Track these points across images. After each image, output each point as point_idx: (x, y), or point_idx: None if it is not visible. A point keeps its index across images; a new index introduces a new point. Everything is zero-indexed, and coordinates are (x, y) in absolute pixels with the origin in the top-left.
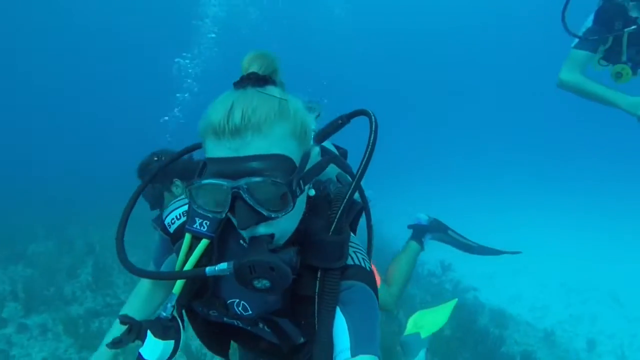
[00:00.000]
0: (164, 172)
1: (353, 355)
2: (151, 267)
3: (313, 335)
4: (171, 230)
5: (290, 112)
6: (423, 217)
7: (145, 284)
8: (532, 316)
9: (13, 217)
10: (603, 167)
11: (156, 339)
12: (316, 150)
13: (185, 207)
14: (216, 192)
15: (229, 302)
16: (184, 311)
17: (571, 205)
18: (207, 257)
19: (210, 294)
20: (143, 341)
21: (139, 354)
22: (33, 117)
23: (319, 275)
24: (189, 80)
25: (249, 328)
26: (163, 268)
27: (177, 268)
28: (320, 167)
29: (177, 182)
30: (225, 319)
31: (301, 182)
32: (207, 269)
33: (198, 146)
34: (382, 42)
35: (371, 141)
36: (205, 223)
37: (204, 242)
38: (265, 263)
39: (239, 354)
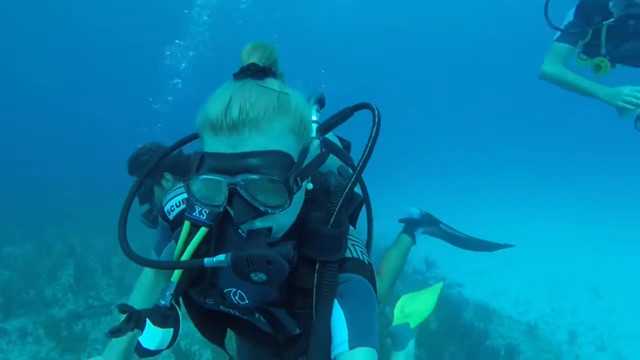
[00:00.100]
0: (155, 166)
1: (351, 347)
2: (152, 255)
3: (309, 326)
4: (170, 217)
5: (290, 106)
6: (415, 211)
7: (148, 273)
8: (515, 311)
9: None
10: (586, 161)
11: (155, 328)
12: (315, 143)
13: (185, 195)
14: (214, 187)
15: (225, 291)
16: (180, 299)
17: (551, 199)
18: (206, 245)
19: (208, 283)
20: (142, 330)
21: (138, 342)
22: (14, 113)
23: (317, 267)
24: (182, 65)
25: (245, 317)
26: (163, 256)
27: (175, 255)
28: (319, 161)
29: (168, 176)
30: (221, 307)
31: (298, 178)
32: (206, 260)
33: (190, 139)
34: (379, 33)
35: (373, 134)
36: (205, 211)
37: (202, 230)
38: (262, 257)
39: (237, 344)
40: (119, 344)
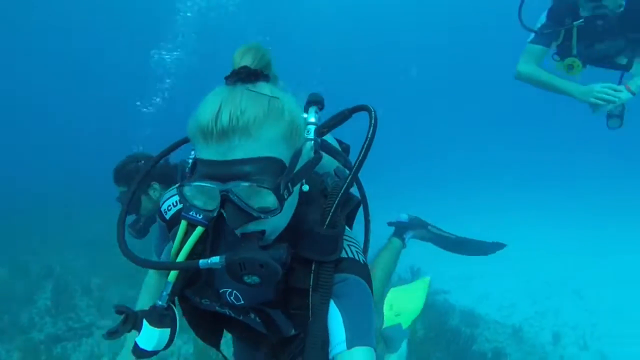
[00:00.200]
0: (135, 179)
1: (349, 347)
2: (153, 257)
3: (305, 327)
4: (167, 216)
5: (281, 110)
6: (403, 216)
7: (152, 275)
8: (500, 314)
9: None
10: (567, 163)
11: (152, 328)
12: (308, 145)
13: None
14: (206, 193)
15: (221, 291)
16: (176, 299)
17: (533, 202)
18: (202, 245)
19: (203, 282)
20: (139, 331)
21: (135, 343)
22: None
23: (313, 268)
24: (169, 68)
25: (240, 318)
26: (163, 256)
27: (172, 254)
28: (311, 164)
29: (155, 185)
30: (217, 308)
31: (289, 184)
32: (201, 261)
33: (180, 144)
34: (372, 34)
35: (369, 136)
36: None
37: (199, 230)
38: (254, 260)
39: (233, 347)
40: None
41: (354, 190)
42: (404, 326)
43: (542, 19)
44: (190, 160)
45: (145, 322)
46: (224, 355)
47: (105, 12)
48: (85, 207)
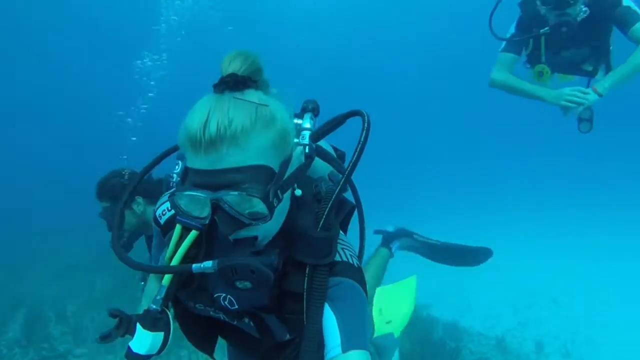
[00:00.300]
0: (126, 190)
1: (344, 351)
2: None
3: (301, 331)
4: (162, 221)
5: (269, 118)
6: (390, 227)
7: (152, 282)
8: (483, 326)
9: None
10: (547, 171)
11: (145, 332)
12: (298, 150)
13: None
14: (198, 202)
15: (215, 295)
16: (170, 304)
17: (510, 213)
18: (196, 249)
19: (197, 286)
20: (133, 335)
21: (128, 347)
22: None
23: (307, 271)
24: (151, 82)
25: (234, 322)
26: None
27: (166, 257)
28: (301, 170)
29: (139, 199)
30: (211, 313)
31: (279, 192)
32: (194, 266)
33: (169, 153)
34: (364, 38)
35: (362, 139)
36: None
37: (193, 233)
38: (246, 266)
39: (228, 355)
40: None
41: (348, 195)
42: (396, 334)
43: (512, 28)
44: (175, 175)
45: (138, 325)
46: None
47: (87, 20)
48: (60, 228)
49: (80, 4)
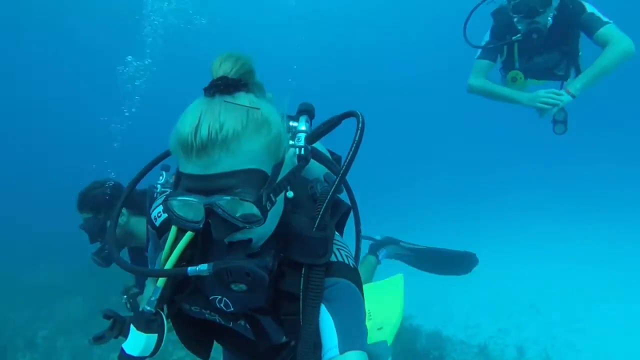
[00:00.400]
0: (107, 201)
1: (341, 351)
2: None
3: (297, 333)
4: (157, 223)
5: (260, 121)
6: (377, 237)
7: (148, 284)
8: (465, 334)
9: None
10: (524, 176)
11: (139, 333)
12: (291, 152)
13: None
14: (191, 206)
15: (211, 298)
16: (166, 307)
17: (489, 220)
18: (191, 250)
19: (193, 289)
20: (126, 337)
21: (122, 348)
22: None
23: (303, 272)
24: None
25: (230, 325)
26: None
27: (162, 259)
28: (293, 174)
29: (123, 210)
30: (207, 315)
31: (272, 195)
32: (189, 269)
33: (162, 159)
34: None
35: (356, 139)
36: None
37: (188, 235)
38: (241, 269)
39: (223, 358)
40: None
41: (344, 197)
42: (389, 342)
43: (486, 36)
44: (159, 186)
45: (132, 327)
46: None
47: (66, 23)
48: (31, 245)
49: (60, 7)
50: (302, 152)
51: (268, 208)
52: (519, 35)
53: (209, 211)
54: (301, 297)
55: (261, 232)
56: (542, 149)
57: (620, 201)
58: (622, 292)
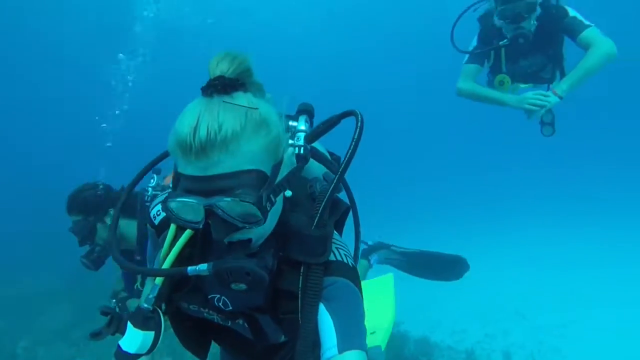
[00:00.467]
0: (98, 203)
1: (340, 351)
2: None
3: (295, 332)
4: (156, 222)
5: (259, 122)
6: (368, 241)
7: (147, 282)
8: (453, 340)
9: None
10: (510, 181)
11: (136, 330)
12: (290, 151)
13: None
14: (190, 207)
15: (210, 296)
16: (164, 306)
17: (475, 226)
18: (189, 248)
19: (192, 288)
20: (123, 334)
21: (118, 345)
22: None
23: (302, 270)
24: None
25: (228, 324)
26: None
27: (161, 257)
28: (293, 174)
29: (112, 212)
30: (205, 314)
31: (271, 196)
32: (189, 268)
33: (160, 159)
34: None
35: (355, 137)
36: None
37: (187, 233)
38: (240, 269)
39: (220, 358)
40: None
41: (343, 197)
42: (383, 346)
43: (474, 42)
44: (150, 189)
45: (129, 324)
46: None
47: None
48: (12, 253)
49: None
50: (302, 151)
51: (268, 209)
52: (506, 40)
53: (209, 212)
54: (300, 295)
55: (261, 232)
56: (531, 152)
57: (607, 205)
58: (608, 297)
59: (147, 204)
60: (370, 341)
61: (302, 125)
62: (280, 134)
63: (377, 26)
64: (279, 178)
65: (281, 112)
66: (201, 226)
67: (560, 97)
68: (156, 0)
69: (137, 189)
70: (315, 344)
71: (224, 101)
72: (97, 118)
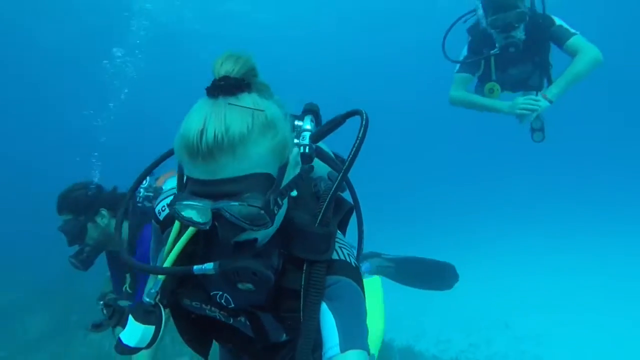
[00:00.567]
0: (89, 203)
1: (342, 350)
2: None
3: (297, 332)
4: (161, 217)
5: (266, 123)
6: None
7: (151, 279)
8: (437, 349)
9: None
10: (497, 188)
11: (137, 323)
12: (295, 152)
13: None
14: (197, 210)
15: (212, 293)
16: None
17: (459, 234)
18: (192, 245)
19: (194, 284)
20: (124, 327)
21: (119, 338)
22: None
23: (304, 268)
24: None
25: (230, 321)
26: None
27: (165, 252)
28: (300, 177)
29: (104, 211)
30: (207, 311)
31: (279, 199)
32: (195, 267)
33: (164, 159)
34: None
35: (360, 136)
36: None
37: (190, 230)
38: (247, 269)
39: (220, 356)
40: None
41: (347, 196)
42: (376, 355)
43: (464, 51)
44: (142, 190)
45: (130, 317)
46: None
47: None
48: None
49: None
50: (307, 150)
51: (275, 212)
52: (496, 49)
53: (216, 214)
54: (302, 293)
55: (266, 232)
56: (519, 161)
57: (591, 215)
58: (589, 306)
59: (139, 205)
60: None
61: (307, 124)
62: (286, 135)
63: (387, 30)
64: (285, 179)
65: (287, 112)
66: (208, 227)
67: (551, 102)
68: None
69: (125, 189)
70: (317, 343)
71: (229, 103)
72: (91, 112)
